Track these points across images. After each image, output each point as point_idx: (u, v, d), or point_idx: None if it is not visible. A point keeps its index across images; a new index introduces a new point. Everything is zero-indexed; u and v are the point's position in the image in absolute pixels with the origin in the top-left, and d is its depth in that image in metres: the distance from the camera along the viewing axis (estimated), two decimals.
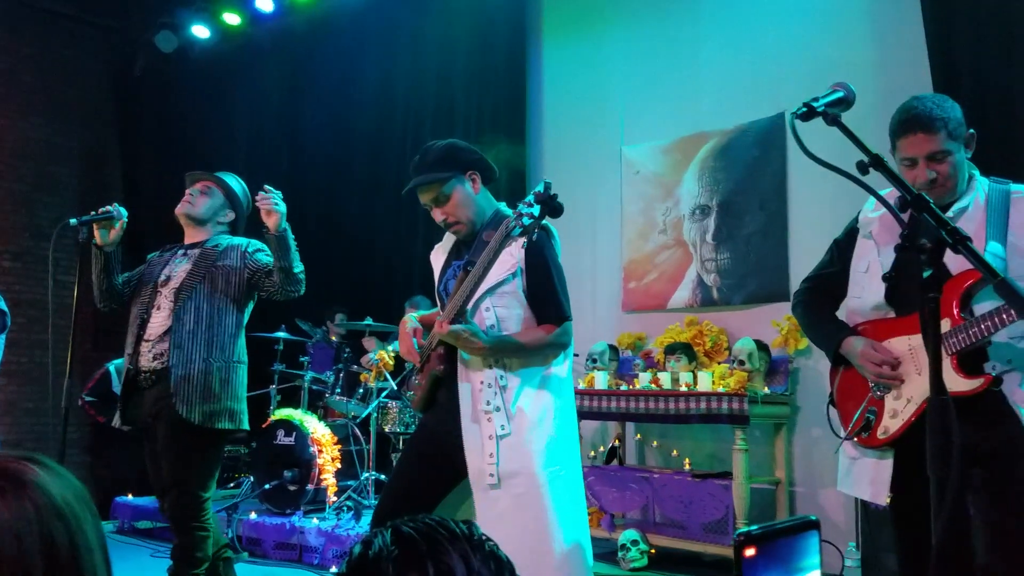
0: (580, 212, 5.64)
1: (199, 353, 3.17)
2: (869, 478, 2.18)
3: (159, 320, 3.26)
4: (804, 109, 1.55)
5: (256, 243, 3.43)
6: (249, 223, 3.62)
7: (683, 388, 4.55)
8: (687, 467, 4.87)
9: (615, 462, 5.19)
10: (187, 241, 3.46)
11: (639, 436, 5.40)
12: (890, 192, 2.09)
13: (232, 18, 7.24)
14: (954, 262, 2.04)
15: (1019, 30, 4.08)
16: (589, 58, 5.89)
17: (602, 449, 5.40)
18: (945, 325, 2.04)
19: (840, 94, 1.63)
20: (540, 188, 2.21)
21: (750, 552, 1.08)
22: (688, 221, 5.34)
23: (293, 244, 3.22)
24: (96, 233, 3.36)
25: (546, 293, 2.50)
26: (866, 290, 2.25)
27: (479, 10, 6.25)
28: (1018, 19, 4.09)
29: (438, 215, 2.61)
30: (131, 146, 8.08)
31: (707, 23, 5.36)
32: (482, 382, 2.45)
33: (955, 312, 2.04)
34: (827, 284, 2.42)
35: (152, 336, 3.24)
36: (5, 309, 3.79)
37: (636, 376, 4.94)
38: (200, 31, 7.46)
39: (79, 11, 7.81)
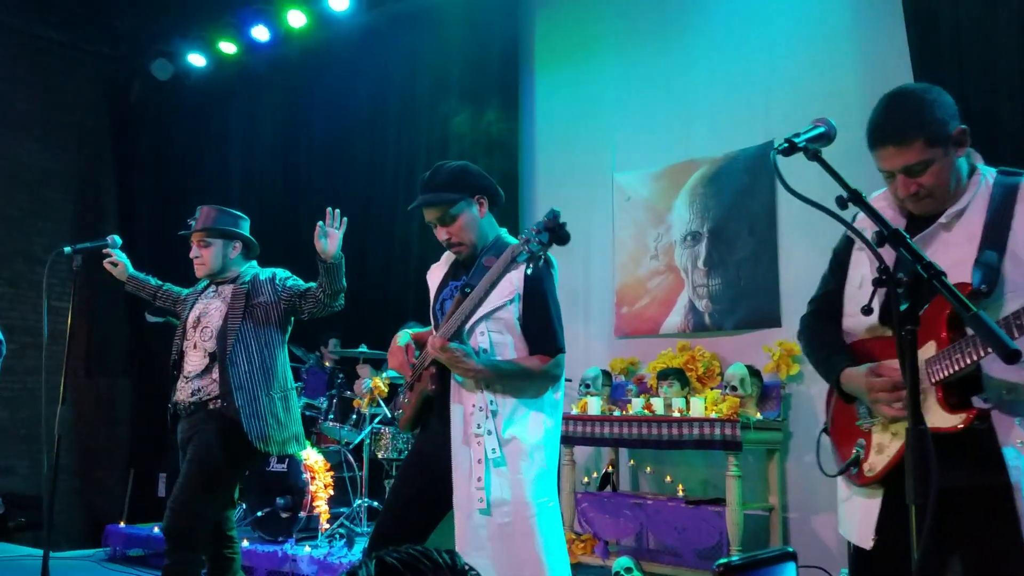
0: (573, 238, 5.62)
1: (260, 389, 3.32)
2: (857, 519, 1.99)
3: (196, 359, 3.41)
4: (785, 145, 1.57)
5: (282, 272, 3.57)
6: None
7: (676, 414, 4.56)
8: (681, 493, 4.86)
9: (608, 488, 5.19)
10: (217, 280, 3.59)
11: (632, 462, 5.39)
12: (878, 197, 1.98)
13: (228, 47, 7.30)
14: (940, 264, 1.75)
15: (1003, 62, 4.15)
16: (581, 86, 5.96)
17: (595, 475, 5.40)
18: (930, 349, 1.79)
19: (821, 130, 1.63)
20: (549, 216, 2.24)
21: None
22: (679, 247, 5.38)
23: (344, 266, 3.32)
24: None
25: (541, 323, 2.50)
26: (860, 307, 1.99)
27: (473, 39, 6.32)
28: (1002, 50, 4.16)
29: (442, 234, 2.63)
30: (126, 173, 8.12)
31: (697, 52, 5.44)
32: (474, 405, 2.44)
33: (943, 334, 1.77)
34: (828, 305, 2.12)
35: (191, 374, 3.39)
36: (1, 338, 3.82)
37: (629, 401, 4.94)
38: (196, 60, 7.52)
39: (75, 39, 7.88)
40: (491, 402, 2.43)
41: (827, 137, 1.64)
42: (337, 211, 3.28)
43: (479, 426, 2.42)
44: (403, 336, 2.74)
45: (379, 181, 6.76)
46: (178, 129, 7.92)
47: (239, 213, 3.64)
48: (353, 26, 6.72)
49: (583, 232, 5.78)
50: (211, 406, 3.33)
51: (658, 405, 4.70)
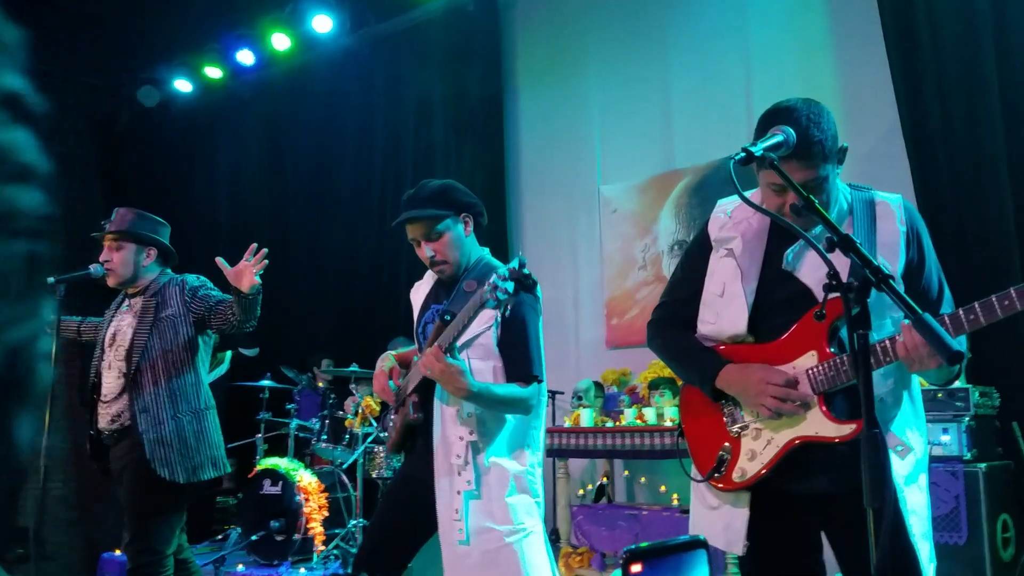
0: (561, 251, 5.70)
1: (166, 411, 3.14)
2: (724, 524, 1.94)
3: (110, 380, 3.25)
4: (743, 154, 1.57)
5: (193, 279, 3.36)
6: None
7: (668, 423, 4.56)
8: (675, 503, 4.85)
9: (604, 500, 5.18)
10: (130, 291, 3.40)
11: (627, 473, 5.39)
12: (754, 194, 1.93)
13: (214, 72, 7.35)
14: (812, 279, 1.82)
15: (984, 94, 4.18)
16: (563, 101, 6.00)
17: (590, 487, 5.39)
18: (811, 359, 1.80)
19: (780, 138, 1.63)
20: (515, 264, 2.13)
21: (636, 568, 1.11)
22: (667, 257, 5.40)
23: (259, 300, 3.17)
24: None
25: (520, 350, 2.46)
26: (722, 316, 1.95)
27: (455, 58, 6.37)
28: (982, 59, 4.19)
29: (426, 251, 2.55)
30: (114, 200, 8.10)
31: (678, 64, 5.48)
32: (456, 435, 2.43)
33: (824, 345, 1.79)
34: (684, 310, 2.06)
35: (107, 397, 3.23)
36: None
37: (622, 412, 4.94)
38: (182, 85, 7.57)
39: (61, 68, 7.90)
40: (471, 432, 2.41)
41: (786, 145, 1.64)
42: (264, 250, 3.11)
43: (458, 456, 2.40)
44: (388, 359, 2.71)
45: (366, 201, 6.79)
46: (165, 156, 7.95)
47: (159, 219, 3.42)
48: (337, 48, 6.77)
49: (571, 245, 5.80)
50: (130, 432, 3.15)
51: (650, 415, 4.69)
